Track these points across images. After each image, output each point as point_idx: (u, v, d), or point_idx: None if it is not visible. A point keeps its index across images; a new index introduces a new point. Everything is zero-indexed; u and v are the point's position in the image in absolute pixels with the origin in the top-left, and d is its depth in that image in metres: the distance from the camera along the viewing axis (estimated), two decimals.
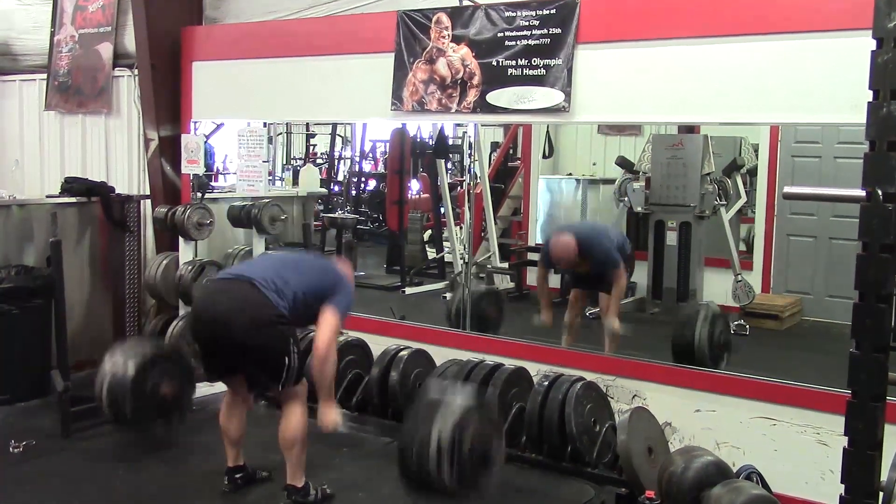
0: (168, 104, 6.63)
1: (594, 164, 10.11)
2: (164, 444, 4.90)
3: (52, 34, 7.57)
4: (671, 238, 7.70)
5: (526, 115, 5.17)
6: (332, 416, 4.12)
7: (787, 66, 4.19)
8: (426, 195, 10.90)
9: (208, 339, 4.05)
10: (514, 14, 5.04)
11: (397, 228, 9.82)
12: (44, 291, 5.66)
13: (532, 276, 8.91)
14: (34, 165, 7.89)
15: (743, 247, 8.31)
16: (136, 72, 6.84)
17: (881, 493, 2.00)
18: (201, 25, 6.74)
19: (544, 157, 9.73)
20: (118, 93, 7.16)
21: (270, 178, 11.68)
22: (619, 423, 4.36)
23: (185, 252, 6.26)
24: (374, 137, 13.99)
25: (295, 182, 12.16)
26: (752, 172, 8.33)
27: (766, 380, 4.58)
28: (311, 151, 14.73)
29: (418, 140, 10.76)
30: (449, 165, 11.09)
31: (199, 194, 6.64)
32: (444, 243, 10.12)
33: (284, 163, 14.71)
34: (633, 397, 4.86)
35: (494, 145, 11.02)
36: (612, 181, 8.62)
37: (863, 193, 1.78)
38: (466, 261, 6.94)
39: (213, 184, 10.27)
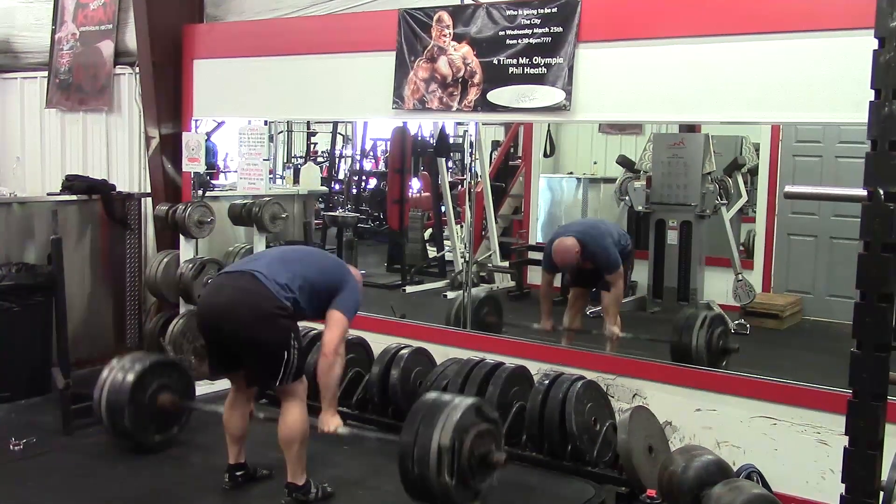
0: (169, 102, 6.64)
1: (595, 163, 10.12)
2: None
3: (54, 32, 7.58)
4: (672, 237, 7.70)
5: (527, 114, 5.17)
6: (336, 421, 4.16)
7: (788, 66, 4.20)
8: (427, 194, 10.89)
9: (211, 331, 4.07)
10: (515, 13, 5.05)
11: (398, 227, 9.82)
12: (45, 289, 5.66)
13: (533, 275, 8.93)
14: (35, 163, 7.89)
15: (743, 249, 8.31)
16: (137, 69, 6.85)
17: (881, 493, 2.00)
18: (202, 23, 6.74)
19: (545, 155, 9.73)
20: (119, 90, 7.16)
21: (271, 176, 11.69)
22: (620, 422, 4.36)
23: (186, 250, 6.26)
24: (375, 136, 13.99)
25: (296, 180, 12.14)
26: (753, 171, 8.32)
27: (766, 379, 4.58)
28: (311, 150, 14.72)
29: (419, 138, 10.76)
30: (450, 164, 11.09)
31: (200, 192, 6.64)
32: (445, 242, 10.12)
33: (285, 161, 14.70)
34: (634, 396, 4.87)
35: (495, 144, 11.02)
36: (613, 180, 8.62)
37: (864, 193, 1.78)
38: (467, 259, 6.93)
39: (213, 182, 10.28)
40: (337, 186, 13.06)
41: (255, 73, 6.27)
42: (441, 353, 5.40)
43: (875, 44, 1.77)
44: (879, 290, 1.77)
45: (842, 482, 1.81)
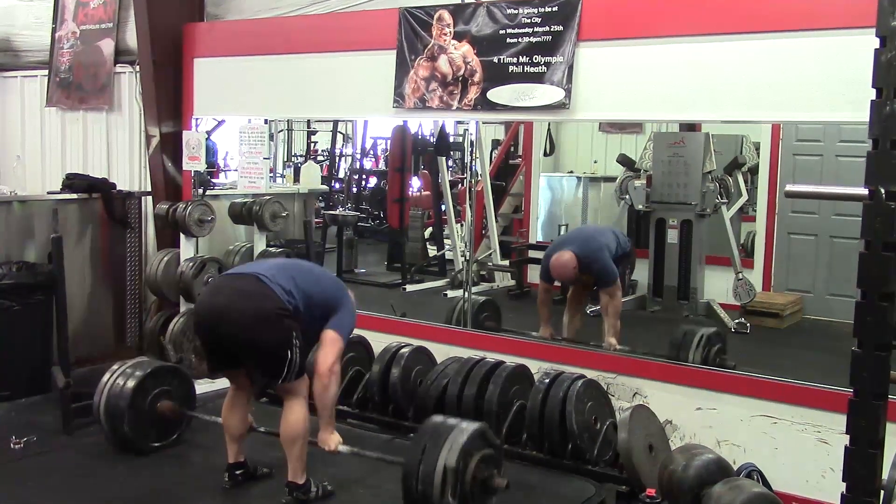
0: (169, 101, 6.64)
1: (595, 162, 10.12)
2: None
3: (54, 30, 7.58)
4: (672, 236, 7.70)
5: (527, 113, 5.17)
6: (335, 439, 4.18)
7: (788, 65, 4.19)
8: (427, 193, 10.90)
9: (210, 332, 4.04)
10: (516, 11, 5.04)
11: (398, 226, 9.81)
12: (45, 288, 5.66)
13: (533, 274, 8.93)
14: (35, 161, 7.90)
15: (743, 248, 8.31)
16: (137, 68, 6.85)
17: (882, 492, 2.00)
18: (203, 22, 6.74)
19: (545, 154, 9.73)
20: (119, 89, 7.17)
21: (271, 174, 11.69)
22: (620, 421, 4.36)
23: (186, 249, 6.26)
24: (376, 135, 13.98)
25: (296, 179, 12.15)
26: (754, 170, 8.32)
27: (766, 378, 4.58)
28: (312, 148, 14.71)
29: (419, 137, 10.76)
30: (450, 163, 11.09)
31: (201, 191, 6.64)
32: (445, 241, 10.12)
33: (285, 160, 14.69)
34: (634, 395, 4.87)
35: (495, 143, 11.02)
36: (613, 179, 8.62)
37: (865, 192, 1.78)
38: (467, 258, 6.93)
39: (214, 180, 10.27)
40: (337, 185, 13.05)
41: (255, 72, 6.27)
42: (441, 352, 5.40)
43: (876, 43, 1.77)
44: (880, 289, 1.77)
45: (842, 481, 1.81)
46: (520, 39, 5.03)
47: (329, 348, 4.04)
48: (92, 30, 7.27)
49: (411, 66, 5.43)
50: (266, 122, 6.80)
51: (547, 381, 4.67)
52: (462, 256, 8.95)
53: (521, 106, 5.05)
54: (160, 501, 4.26)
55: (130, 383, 4.69)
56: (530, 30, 4.98)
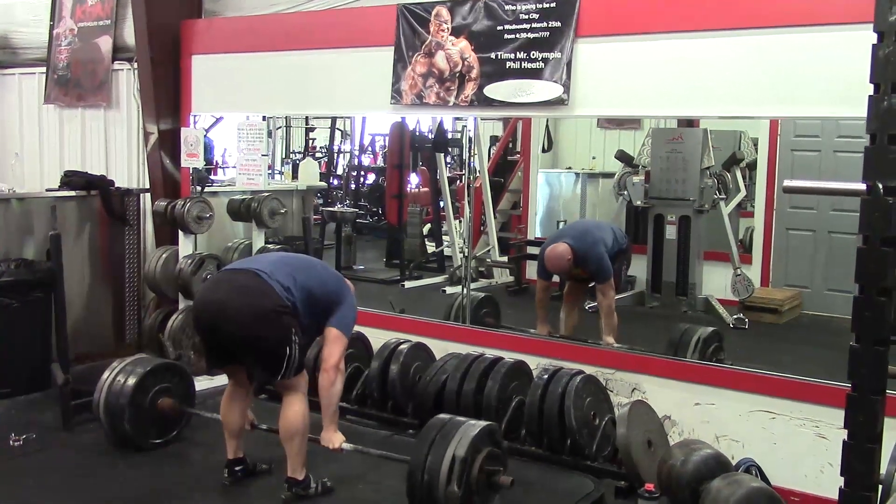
0: (167, 98, 6.63)
1: (594, 158, 10.11)
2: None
3: (52, 27, 7.57)
4: (670, 232, 7.70)
5: (524, 109, 5.17)
6: (339, 438, 4.19)
7: (786, 60, 4.20)
8: (425, 189, 10.89)
9: (209, 328, 4.04)
10: (514, 7, 5.04)
11: (396, 222, 9.81)
12: (44, 285, 5.66)
13: (531, 270, 8.93)
14: (34, 159, 7.89)
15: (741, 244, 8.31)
16: (135, 65, 6.85)
17: (880, 486, 2.00)
18: (201, 19, 6.73)
19: (544, 150, 9.72)
20: (117, 86, 7.16)
21: (270, 171, 11.69)
22: (619, 417, 4.37)
23: (185, 246, 6.26)
24: (374, 131, 13.97)
25: (294, 176, 12.14)
26: (752, 166, 8.32)
27: (765, 373, 4.59)
28: (310, 145, 14.70)
29: (418, 134, 10.75)
30: (448, 159, 11.08)
31: (199, 188, 6.64)
32: (444, 237, 10.12)
33: (284, 156, 14.68)
34: (633, 390, 4.87)
35: (494, 139, 11.01)
36: (611, 175, 8.62)
37: (863, 187, 1.78)
38: (466, 254, 6.94)
39: (212, 177, 10.27)
40: (335, 182, 13.05)
41: (253, 69, 6.26)
42: (440, 348, 5.41)
43: (874, 38, 1.78)
44: (878, 284, 1.77)
45: (841, 475, 1.81)
46: (517, 35, 5.03)
47: (333, 346, 4.05)
48: (90, 27, 7.27)
49: (409, 63, 5.43)
50: (264, 118, 6.79)
51: (546, 376, 4.68)
52: (460, 253, 8.95)
53: (519, 102, 5.05)
54: (160, 498, 4.26)
55: (130, 380, 4.70)
56: (528, 26, 4.98)
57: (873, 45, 1.77)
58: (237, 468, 4.35)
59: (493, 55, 5.11)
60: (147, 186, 6.87)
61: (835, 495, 1.83)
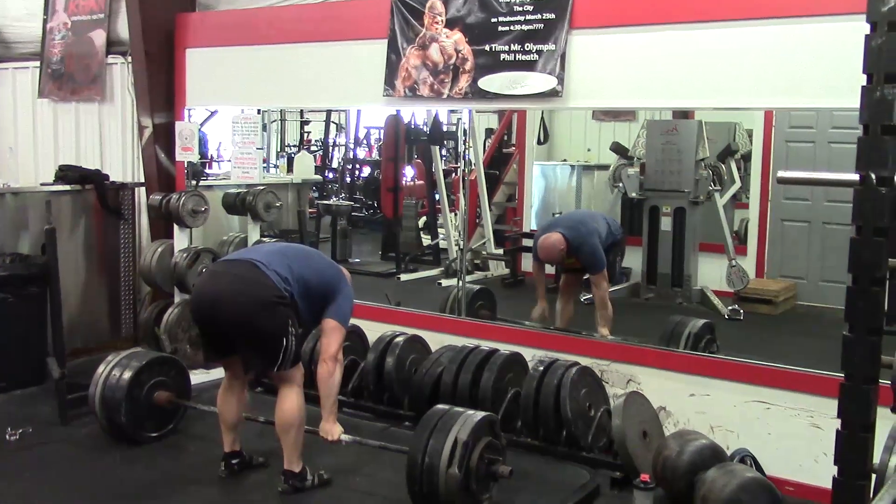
0: (162, 91, 6.62)
1: (589, 150, 10.12)
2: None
3: (45, 21, 7.54)
4: (666, 223, 7.71)
5: (518, 101, 5.17)
6: (338, 429, 4.19)
7: (781, 51, 4.20)
8: (421, 182, 10.90)
9: (207, 318, 4.06)
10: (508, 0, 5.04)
11: (392, 215, 9.82)
12: (39, 279, 5.65)
13: (527, 262, 8.94)
14: (28, 153, 7.87)
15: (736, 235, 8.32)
16: (129, 59, 6.83)
17: (874, 475, 2.01)
18: (195, 12, 6.71)
19: (539, 143, 9.73)
20: (112, 80, 7.14)
21: (265, 165, 11.68)
22: (614, 408, 4.38)
23: (180, 239, 6.26)
24: (369, 124, 13.96)
25: (289, 169, 12.14)
26: (747, 158, 8.34)
27: (760, 364, 4.60)
28: (305, 138, 14.70)
29: (413, 127, 10.75)
30: (443, 152, 11.09)
31: (194, 182, 6.63)
32: (439, 230, 10.12)
33: (279, 150, 14.68)
34: (628, 382, 4.89)
35: (489, 132, 11.02)
36: (606, 167, 8.63)
37: (856, 177, 1.79)
38: (461, 247, 6.94)
39: (207, 171, 10.26)
40: (331, 175, 13.06)
41: (247, 62, 6.25)
42: (436, 341, 5.41)
43: (867, 28, 1.78)
44: (871, 274, 1.78)
45: (834, 464, 1.82)
46: (512, 28, 5.02)
47: (331, 337, 4.07)
48: (83, 21, 7.24)
49: (403, 55, 5.43)
50: (259, 112, 6.78)
51: (541, 368, 4.68)
52: (456, 245, 8.96)
53: (513, 94, 5.05)
54: (156, 491, 4.26)
55: (127, 374, 4.70)
56: (522, 18, 4.97)
57: (866, 35, 1.77)
58: (234, 461, 4.35)
59: (487, 47, 5.11)
60: (142, 180, 6.86)
61: (829, 484, 1.84)
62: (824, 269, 7.73)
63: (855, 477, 1.80)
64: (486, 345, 5.10)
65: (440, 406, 4.07)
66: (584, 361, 4.84)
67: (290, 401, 4.06)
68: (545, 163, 10.00)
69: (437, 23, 5.30)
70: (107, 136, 7.25)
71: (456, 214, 9.29)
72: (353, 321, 5.39)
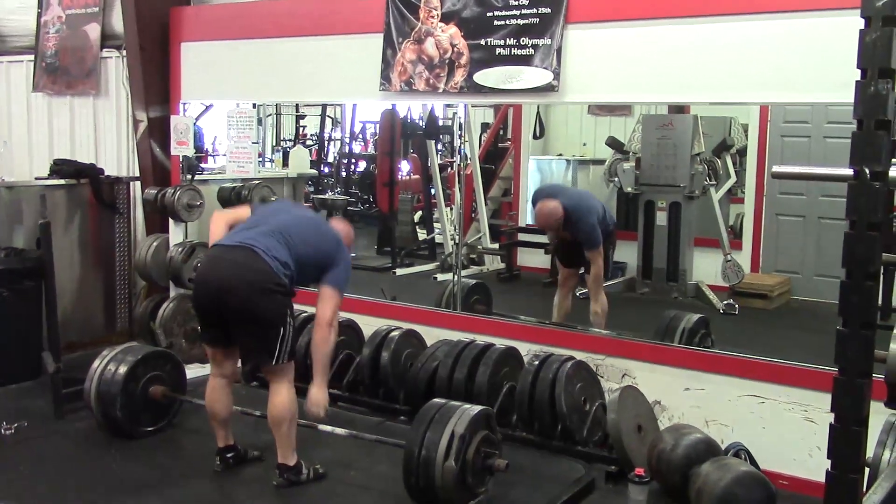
0: (157, 85, 6.61)
1: (584, 145, 10.10)
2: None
3: (39, 15, 7.52)
4: (661, 218, 7.71)
5: (514, 96, 5.18)
6: (324, 398, 4.20)
7: (776, 46, 4.21)
8: (416, 176, 10.87)
9: (208, 306, 4.07)
10: None
11: (387, 210, 9.81)
12: (34, 273, 5.64)
13: (522, 257, 8.95)
14: (23, 147, 7.85)
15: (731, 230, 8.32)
16: (124, 53, 6.81)
17: (867, 469, 2.02)
18: (190, 6, 6.70)
19: (534, 137, 9.71)
20: (106, 74, 7.12)
21: (260, 159, 11.64)
22: (609, 402, 4.40)
23: (176, 234, 6.25)
24: (364, 118, 13.93)
25: (285, 163, 12.10)
26: (742, 152, 8.33)
27: (754, 358, 4.62)
28: (300, 133, 14.66)
29: (408, 121, 10.73)
30: (439, 146, 11.06)
31: (189, 176, 6.62)
32: (435, 224, 10.11)
33: (274, 144, 14.61)
34: (623, 376, 4.90)
35: (485, 126, 10.99)
36: (602, 162, 8.61)
37: (850, 172, 1.79)
38: (457, 242, 6.94)
39: (202, 165, 10.24)
40: (326, 169, 13.01)
41: (243, 56, 6.24)
42: (431, 335, 5.42)
43: (861, 23, 1.78)
44: (865, 268, 1.78)
45: (828, 458, 1.83)
46: (507, 22, 5.02)
47: (327, 303, 4.11)
48: (78, 14, 7.22)
49: (398, 49, 5.42)
50: (254, 106, 6.77)
51: (536, 362, 4.69)
52: (452, 240, 8.94)
53: (509, 89, 5.05)
54: (152, 485, 4.27)
55: (122, 368, 4.70)
56: (518, 12, 4.97)
57: (860, 30, 1.77)
58: (229, 455, 4.36)
59: (482, 41, 5.10)
60: (137, 174, 6.86)
61: (822, 478, 1.84)
62: (819, 263, 7.74)
63: (848, 470, 1.80)
64: (481, 339, 5.11)
65: (437, 400, 4.08)
66: (580, 356, 4.85)
67: (282, 395, 4.08)
68: (541, 157, 9.98)
69: (432, 17, 5.29)
70: (101, 130, 7.24)
71: (451, 209, 9.28)
72: (348, 315, 5.43)
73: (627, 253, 7.87)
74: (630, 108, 9.15)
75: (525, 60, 4.95)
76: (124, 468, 4.46)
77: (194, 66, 6.51)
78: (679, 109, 7.86)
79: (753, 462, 4.25)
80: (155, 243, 6.40)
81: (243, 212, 4.41)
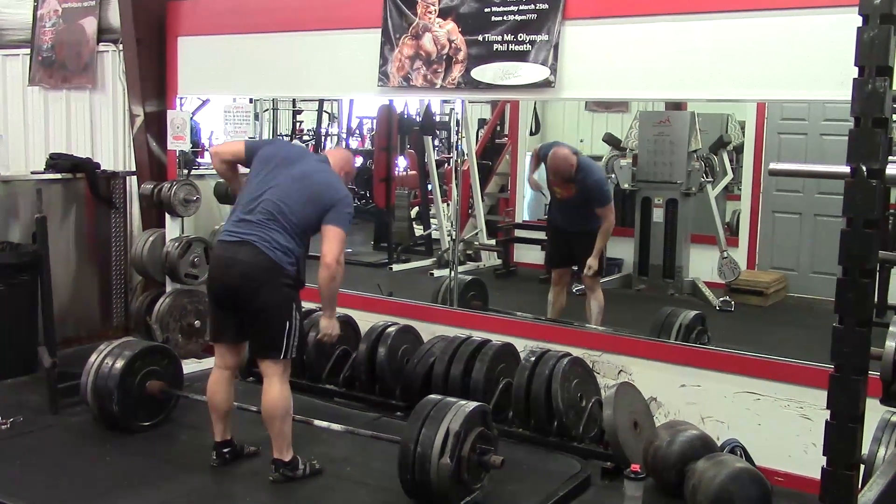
0: (153, 80, 6.59)
1: (581, 141, 10.10)
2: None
3: (36, 8, 7.49)
4: (658, 215, 7.72)
5: (511, 91, 5.17)
6: (334, 324, 4.39)
7: (773, 43, 4.20)
8: (413, 172, 10.87)
9: (221, 304, 4.16)
10: None
11: (384, 205, 9.80)
12: (30, 268, 5.63)
13: (519, 253, 8.96)
14: (18, 141, 7.82)
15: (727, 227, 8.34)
16: (120, 47, 6.79)
17: (863, 466, 2.03)
18: (187, 0, 6.67)
19: (531, 133, 9.72)
20: (103, 68, 7.10)
21: None
22: (605, 398, 4.40)
23: (172, 229, 6.24)
24: (361, 114, 13.92)
25: None
26: (739, 149, 8.35)
27: (750, 355, 4.62)
28: (297, 128, 14.64)
29: (405, 116, 10.72)
30: (436, 142, 11.06)
31: (186, 171, 6.61)
32: (432, 220, 10.11)
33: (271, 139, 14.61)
34: (619, 372, 4.90)
35: (482, 122, 10.99)
36: (599, 158, 8.60)
37: (847, 170, 1.79)
38: (454, 238, 6.95)
39: (199, 160, 10.21)
40: None
41: (240, 51, 6.22)
42: (428, 331, 5.42)
43: (859, 21, 1.78)
44: (861, 265, 1.78)
45: (823, 455, 1.83)
46: (505, 17, 5.01)
47: (332, 242, 4.11)
48: (74, 8, 7.20)
49: (396, 45, 5.41)
50: (251, 101, 6.76)
51: (533, 359, 4.70)
52: (448, 236, 8.95)
53: (506, 85, 5.04)
54: (148, 480, 4.26)
55: (119, 363, 4.70)
56: (515, 8, 4.96)
57: (858, 27, 1.77)
58: (225, 450, 4.36)
59: (480, 37, 5.09)
60: (133, 169, 6.83)
61: (818, 474, 1.84)
62: (815, 260, 7.76)
63: (844, 467, 1.81)
64: (477, 335, 5.11)
65: (433, 396, 4.08)
66: (576, 352, 4.85)
67: (276, 389, 4.09)
68: None
69: (430, 12, 5.28)
70: (98, 125, 7.21)
71: (448, 205, 9.28)
72: (345, 311, 5.43)
73: (624, 249, 7.89)
74: (627, 104, 9.18)
75: (522, 56, 4.94)
76: (120, 463, 4.46)
77: (191, 61, 6.49)
78: (676, 106, 7.87)
79: (749, 459, 4.26)
80: (151, 238, 6.39)
81: (237, 147, 4.50)
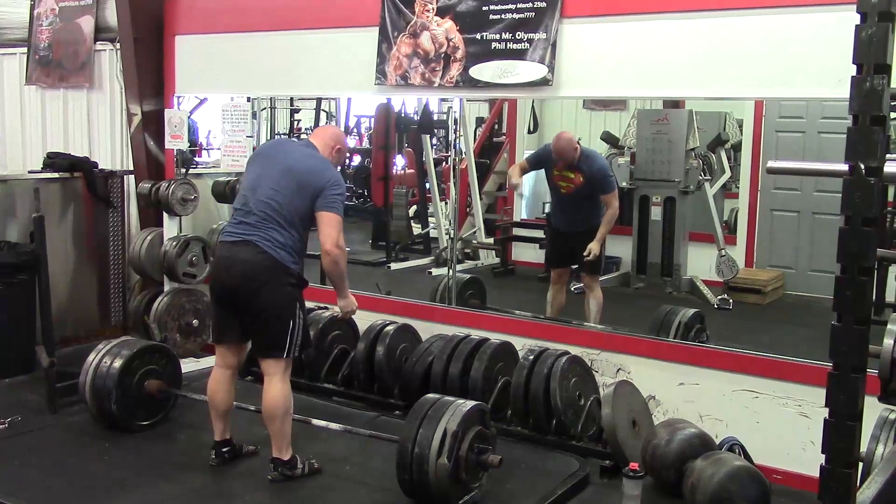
0: (151, 79, 6.58)
1: (579, 140, 10.10)
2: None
3: (32, 7, 7.48)
4: (656, 213, 7.73)
5: (509, 90, 5.16)
6: (351, 300, 4.47)
7: (771, 41, 4.20)
8: (411, 171, 10.88)
9: (224, 304, 4.16)
10: None
11: (382, 204, 9.80)
12: (28, 267, 5.62)
13: (517, 251, 8.96)
14: (16, 140, 7.82)
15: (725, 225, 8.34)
16: (118, 46, 6.78)
17: (861, 463, 2.03)
18: None
19: (529, 132, 9.72)
20: (100, 67, 7.09)
21: None
22: (604, 397, 4.40)
23: (170, 228, 6.23)
24: (359, 113, 13.92)
25: None
26: (737, 148, 8.36)
27: (748, 353, 4.62)
28: (295, 126, 14.64)
29: (403, 115, 10.73)
30: (434, 141, 11.07)
31: (183, 170, 6.60)
32: (430, 219, 10.12)
33: (268, 138, 14.60)
34: (618, 371, 4.90)
35: (480, 120, 11.00)
36: None
37: (845, 168, 1.79)
38: (452, 236, 6.95)
39: (196, 159, 10.22)
40: None
41: (237, 49, 6.22)
42: (426, 330, 5.42)
43: (857, 18, 1.78)
44: (860, 263, 1.78)
45: (822, 453, 1.83)
46: (503, 16, 5.01)
47: (328, 228, 4.13)
48: (71, 7, 7.19)
49: (394, 43, 5.41)
50: (249, 99, 6.76)
51: (531, 357, 4.70)
52: (446, 234, 8.96)
53: (504, 83, 5.03)
54: (147, 479, 4.26)
55: (117, 362, 4.69)
56: (513, 6, 4.95)
57: (856, 25, 1.77)
58: (224, 449, 4.36)
59: (478, 36, 5.09)
60: (131, 168, 6.83)
61: (816, 472, 1.84)
62: (813, 258, 7.77)
63: (842, 465, 1.81)
64: (476, 334, 5.11)
65: (430, 395, 4.08)
66: (574, 351, 4.85)
67: (276, 388, 4.08)
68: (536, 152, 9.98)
69: (428, 11, 5.28)
70: (95, 124, 7.21)
71: (446, 203, 9.29)
72: None
73: (622, 248, 7.89)
74: (625, 102, 9.19)
75: (520, 55, 4.94)
76: (119, 462, 4.45)
77: (189, 60, 6.49)
78: (674, 104, 7.88)
79: (747, 457, 4.26)
80: (149, 237, 6.39)
81: None
